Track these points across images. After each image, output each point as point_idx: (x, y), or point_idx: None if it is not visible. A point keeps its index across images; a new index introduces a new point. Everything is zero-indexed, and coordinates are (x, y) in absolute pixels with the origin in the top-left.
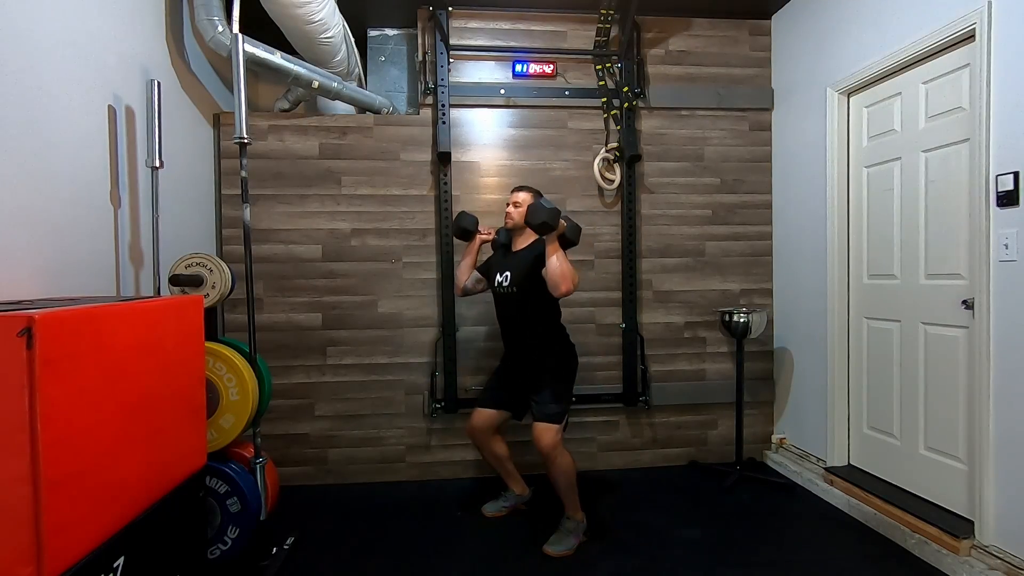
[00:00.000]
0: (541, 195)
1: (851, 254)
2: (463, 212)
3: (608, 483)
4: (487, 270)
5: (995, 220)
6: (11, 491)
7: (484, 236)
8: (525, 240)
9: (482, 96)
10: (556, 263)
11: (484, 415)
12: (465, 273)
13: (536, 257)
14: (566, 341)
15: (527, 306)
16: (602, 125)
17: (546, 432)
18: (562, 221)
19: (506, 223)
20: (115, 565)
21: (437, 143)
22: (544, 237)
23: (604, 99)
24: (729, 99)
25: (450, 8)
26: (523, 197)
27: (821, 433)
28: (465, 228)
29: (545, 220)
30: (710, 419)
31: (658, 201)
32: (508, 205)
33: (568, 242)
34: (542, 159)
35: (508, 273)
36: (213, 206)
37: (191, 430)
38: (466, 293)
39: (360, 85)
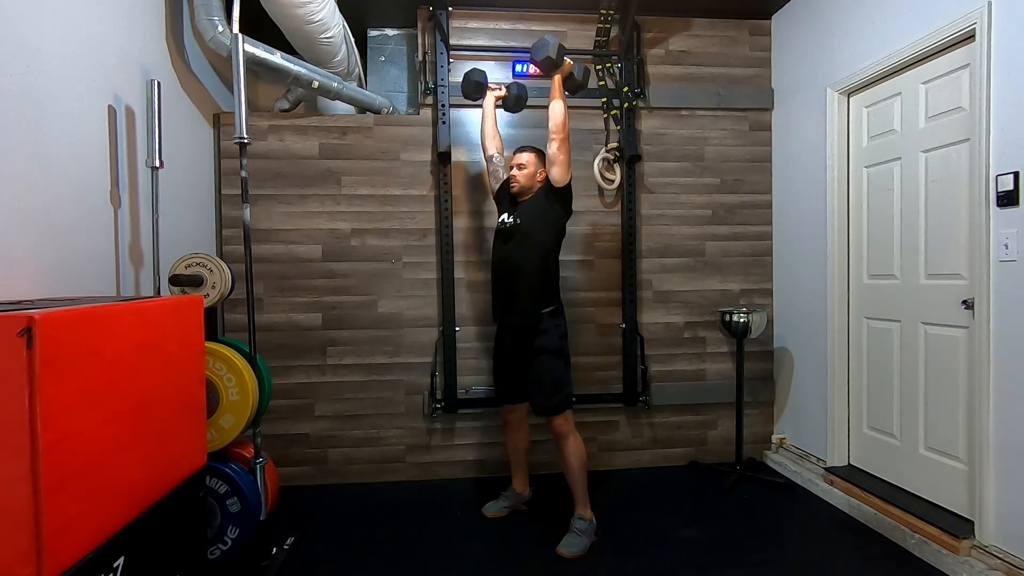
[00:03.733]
0: (543, 153)
1: (851, 254)
2: (472, 69)
3: (608, 483)
4: (497, 201)
5: (995, 220)
6: (11, 491)
7: (496, 91)
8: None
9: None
10: (559, 106)
11: (509, 410)
12: (490, 134)
13: (544, 194)
14: (558, 300)
15: (528, 242)
16: (602, 125)
17: (556, 421)
18: (568, 60)
19: (512, 188)
20: (115, 565)
21: (437, 143)
22: (550, 77)
23: (604, 99)
24: (729, 99)
25: (450, 8)
26: (527, 158)
27: (821, 433)
28: (476, 81)
29: (549, 55)
30: (710, 419)
31: (658, 201)
32: (512, 169)
33: (576, 84)
34: None
35: (514, 211)
36: (213, 206)
37: (191, 430)
38: (488, 160)
39: (360, 85)
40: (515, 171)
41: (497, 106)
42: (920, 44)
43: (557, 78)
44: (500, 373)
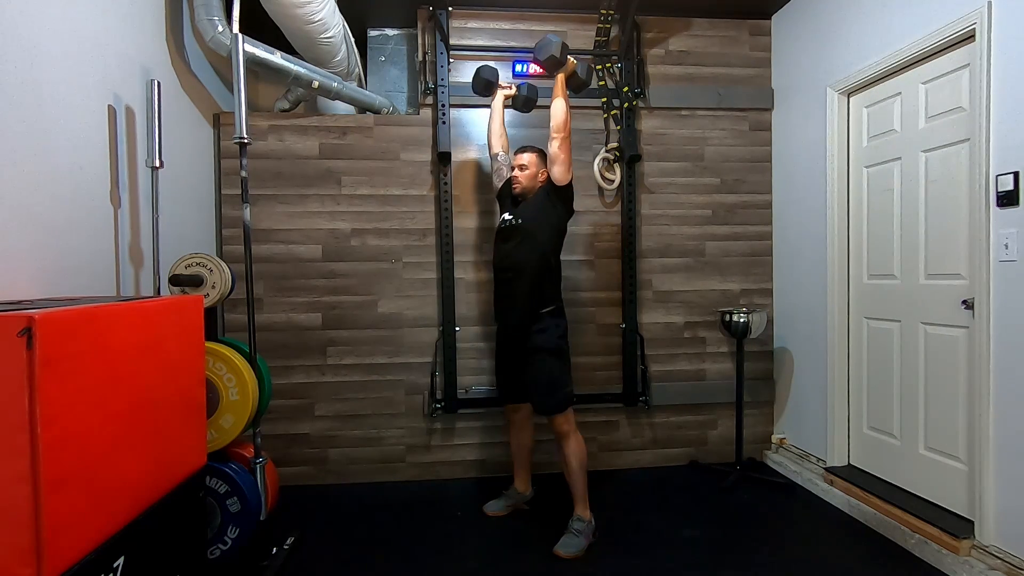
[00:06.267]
0: (544, 153)
1: (851, 254)
2: (483, 65)
3: (608, 483)
4: (500, 199)
5: (995, 220)
6: (11, 491)
7: (506, 90)
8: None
9: (482, 96)
10: (561, 105)
11: (514, 409)
12: (497, 133)
13: (546, 194)
14: (559, 300)
15: (528, 241)
16: (602, 125)
17: (557, 420)
18: (571, 58)
19: (514, 189)
20: (115, 565)
21: (437, 143)
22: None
23: (604, 99)
24: (729, 99)
25: (450, 8)
26: (528, 158)
27: (821, 433)
28: (487, 80)
29: (553, 54)
30: (710, 419)
31: (658, 201)
32: (513, 169)
33: (580, 83)
34: None
35: (515, 210)
36: (213, 206)
37: (191, 430)
38: (493, 158)
39: (360, 85)
40: (517, 172)
41: (506, 105)
42: (920, 44)
43: (560, 77)
44: (501, 373)
